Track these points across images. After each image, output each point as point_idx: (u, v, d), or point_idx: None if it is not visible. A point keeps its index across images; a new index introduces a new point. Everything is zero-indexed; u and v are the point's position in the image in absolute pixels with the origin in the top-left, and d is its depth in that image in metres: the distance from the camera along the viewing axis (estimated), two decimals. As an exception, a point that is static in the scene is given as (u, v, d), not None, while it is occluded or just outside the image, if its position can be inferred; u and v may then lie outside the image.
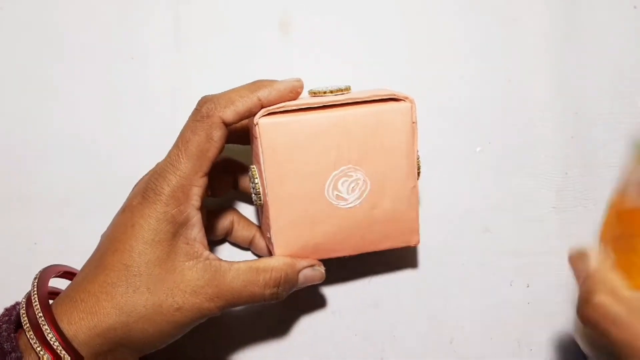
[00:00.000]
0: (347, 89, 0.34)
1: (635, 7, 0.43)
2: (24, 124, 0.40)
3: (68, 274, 0.34)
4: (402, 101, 0.33)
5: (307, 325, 0.40)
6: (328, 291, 0.41)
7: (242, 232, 0.39)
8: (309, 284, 0.34)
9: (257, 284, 0.31)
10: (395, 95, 0.32)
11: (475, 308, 0.41)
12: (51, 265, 0.34)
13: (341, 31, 0.42)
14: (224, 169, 0.38)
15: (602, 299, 0.28)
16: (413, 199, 0.34)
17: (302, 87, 0.33)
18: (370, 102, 0.32)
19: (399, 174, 0.33)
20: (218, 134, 0.31)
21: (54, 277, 0.33)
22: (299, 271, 0.33)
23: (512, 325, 0.41)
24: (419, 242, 0.35)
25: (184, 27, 0.41)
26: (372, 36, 0.42)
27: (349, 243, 0.34)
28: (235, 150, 0.38)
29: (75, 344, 0.28)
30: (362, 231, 0.33)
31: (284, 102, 0.32)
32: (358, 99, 0.32)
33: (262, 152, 0.32)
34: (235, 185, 0.38)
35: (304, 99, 0.33)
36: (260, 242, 0.38)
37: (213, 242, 0.40)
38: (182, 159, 0.31)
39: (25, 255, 0.40)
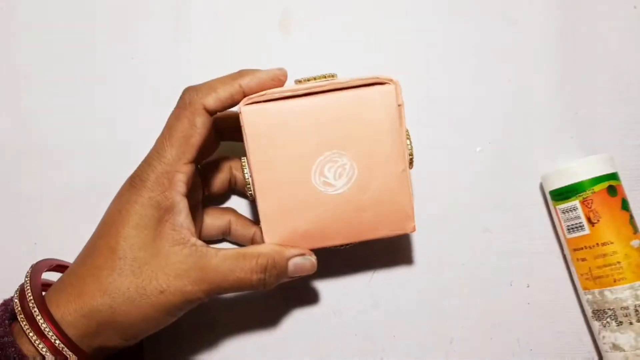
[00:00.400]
0: (332, 76, 0.33)
1: (635, 7, 0.43)
2: (23, 123, 0.40)
3: (61, 267, 0.35)
4: (386, 84, 0.32)
5: (307, 325, 0.40)
6: (328, 291, 0.41)
7: (241, 231, 0.39)
8: (301, 274, 0.34)
9: (244, 269, 0.31)
10: (379, 79, 0.32)
11: (475, 308, 0.41)
12: (45, 259, 0.34)
13: (341, 31, 0.42)
14: (220, 166, 0.38)
15: None
16: (404, 183, 0.33)
17: (285, 76, 0.33)
18: (353, 87, 0.32)
19: (386, 157, 0.33)
20: (200, 121, 0.31)
21: (47, 270, 0.33)
22: (288, 259, 0.33)
23: (512, 325, 0.41)
24: (414, 229, 0.34)
25: (184, 27, 0.41)
26: (372, 36, 0.42)
27: (341, 230, 0.33)
28: (237, 150, 0.38)
29: (63, 326, 0.29)
30: (354, 218, 0.33)
31: (267, 89, 0.32)
32: (341, 84, 0.32)
33: (247, 140, 0.32)
34: (233, 182, 0.38)
35: (288, 87, 0.33)
36: (261, 241, 0.38)
37: (213, 242, 0.40)
38: (166, 146, 0.31)
39: (25, 255, 0.40)
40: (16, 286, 0.34)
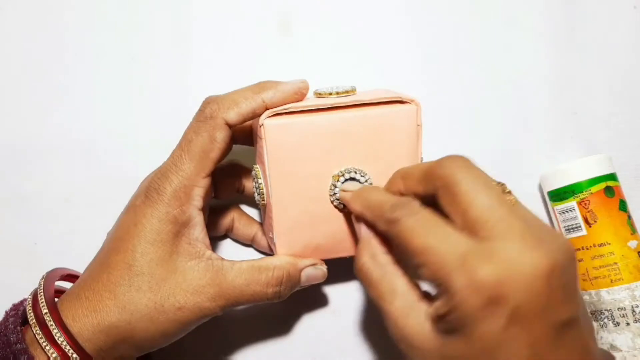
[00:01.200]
0: (353, 90, 0.33)
1: (635, 7, 0.43)
2: (24, 124, 0.40)
3: (72, 276, 0.35)
4: (408, 104, 0.32)
5: (307, 325, 0.40)
6: (328, 291, 0.41)
7: (243, 229, 0.39)
8: (312, 283, 0.34)
9: (260, 282, 0.32)
10: (400, 97, 0.32)
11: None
12: (57, 268, 0.34)
13: (343, 32, 0.42)
14: (230, 173, 0.38)
15: (365, 260, 0.29)
16: None
17: (307, 89, 0.33)
18: (375, 104, 0.32)
19: None
20: (221, 135, 0.31)
21: (58, 280, 0.33)
22: (301, 270, 0.33)
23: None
24: None
25: (184, 27, 0.41)
26: (372, 37, 0.42)
27: (351, 244, 0.34)
28: (239, 152, 0.38)
29: (80, 341, 0.29)
30: None
31: (289, 103, 0.32)
32: (363, 100, 0.32)
33: (267, 153, 0.32)
34: (241, 189, 0.38)
35: (309, 100, 0.33)
36: (262, 240, 0.38)
37: (215, 238, 0.40)
38: (185, 159, 0.31)
39: (25, 255, 0.40)
40: (17, 286, 0.35)
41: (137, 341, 0.30)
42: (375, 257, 0.29)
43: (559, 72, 0.42)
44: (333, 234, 0.34)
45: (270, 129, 0.31)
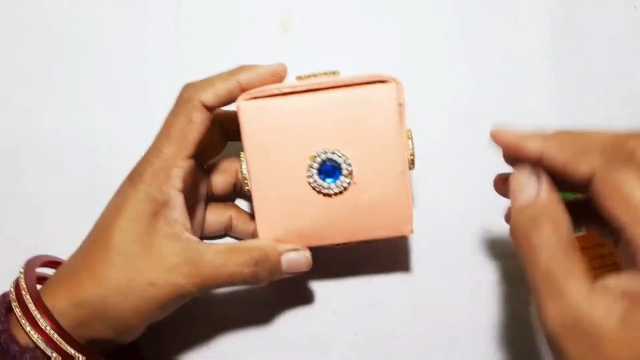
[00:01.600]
0: (334, 72, 0.33)
1: (635, 7, 0.43)
2: (24, 124, 0.40)
3: (56, 263, 0.35)
4: (388, 83, 0.32)
5: (307, 325, 0.40)
6: (328, 291, 0.41)
7: (242, 227, 0.39)
8: (296, 271, 0.33)
9: (237, 262, 0.31)
10: (381, 77, 0.32)
11: (475, 308, 0.41)
12: (39, 255, 0.35)
13: (341, 31, 0.42)
14: (226, 169, 0.38)
15: (545, 232, 0.24)
16: (403, 185, 0.32)
17: (285, 72, 0.33)
18: (354, 85, 0.32)
19: (385, 157, 0.32)
20: (198, 117, 0.32)
21: (42, 266, 0.34)
22: (281, 253, 0.33)
23: (512, 325, 0.41)
24: (412, 231, 0.33)
25: (183, 27, 0.41)
26: (372, 36, 0.42)
27: (336, 230, 0.33)
28: (237, 152, 0.38)
29: (55, 315, 0.29)
30: (350, 217, 0.33)
31: (266, 85, 0.32)
32: (342, 81, 0.32)
33: (244, 136, 0.32)
34: (238, 185, 0.38)
35: (288, 83, 0.33)
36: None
37: (214, 238, 0.40)
38: (164, 142, 0.32)
39: (25, 255, 0.40)
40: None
41: (111, 318, 0.30)
42: (558, 229, 0.24)
43: (559, 72, 0.42)
44: (316, 217, 0.33)
45: (246, 111, 0.31)
